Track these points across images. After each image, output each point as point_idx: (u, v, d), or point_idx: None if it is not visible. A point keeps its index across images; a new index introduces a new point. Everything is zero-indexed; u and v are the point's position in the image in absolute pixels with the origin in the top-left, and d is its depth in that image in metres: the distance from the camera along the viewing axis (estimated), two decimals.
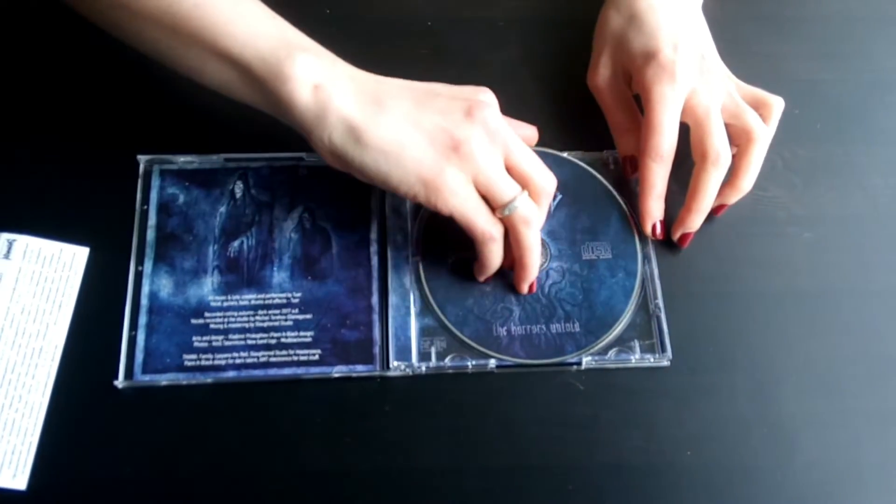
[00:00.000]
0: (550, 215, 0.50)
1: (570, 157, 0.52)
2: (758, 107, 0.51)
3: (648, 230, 0.50)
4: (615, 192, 0.52)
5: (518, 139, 0.45)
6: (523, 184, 0.45)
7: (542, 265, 0.49)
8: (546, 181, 0.46)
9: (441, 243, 0.49)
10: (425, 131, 0.43)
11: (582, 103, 0.54)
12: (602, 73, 0.53)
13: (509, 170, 0.45)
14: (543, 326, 0.48)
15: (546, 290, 0.49)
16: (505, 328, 0.48)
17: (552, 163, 0.51)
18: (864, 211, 0.53)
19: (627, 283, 0.49)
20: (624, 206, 0.52)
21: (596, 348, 0.47)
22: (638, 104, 0.52)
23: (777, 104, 0.51)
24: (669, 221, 0.51)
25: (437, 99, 0.44)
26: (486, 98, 0.45)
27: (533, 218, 0.45)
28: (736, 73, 0.52)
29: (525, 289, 0.48)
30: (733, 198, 0.50)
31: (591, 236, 0.51)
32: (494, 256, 0.46)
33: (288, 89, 0.42)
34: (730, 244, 0.51)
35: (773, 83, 0.52)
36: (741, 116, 0.50)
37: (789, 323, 0.49)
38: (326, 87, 0.43)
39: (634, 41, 0.51)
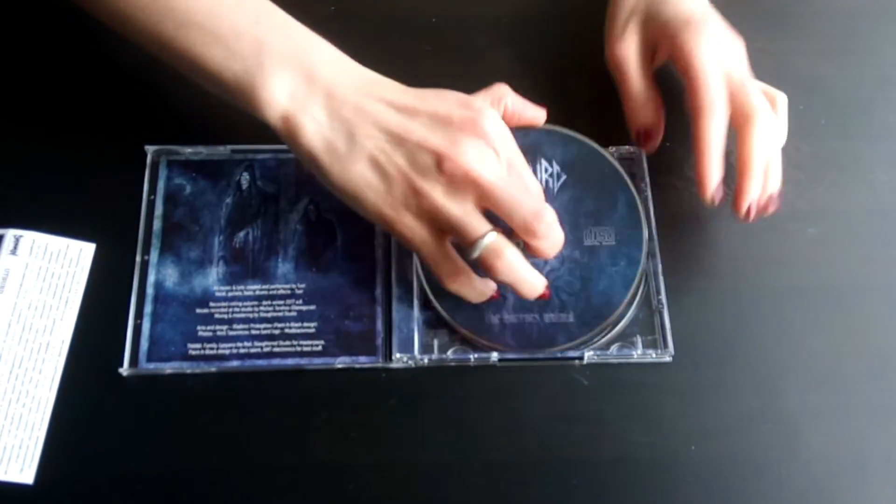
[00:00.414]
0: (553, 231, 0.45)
1: (576, 135, 0.50)
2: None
3: (711, 192, 0.47)
4: (623, 173, 0.49)
5: (497, 180, 0.42)
6: (506, 221, 0.43)
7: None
8: (529, 216, 0.42)
9: None
10: (387, 177, 0.42)
11: (587, 98, 0.55)
12: (628, 43, 0.51)
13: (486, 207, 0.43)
14: (537, 316, 0.47)
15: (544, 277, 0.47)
16: (497, 316, 0.47)
17: (557, 140, 0.50)
18: (868, 206, 0.52)
19: (628, 271, 0.48)
20: (632, 187, 0.49)
21: (597, 343, 0.47)
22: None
23: (781, 99, 0.51)
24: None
25: (414, 136, 0.42)
26: (466, 143, 0.42)
27: (502, 259, 0.43)
28: None
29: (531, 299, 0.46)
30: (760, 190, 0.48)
31: (595, 221, 0.49)
32: (467, 292, 0.45)
33: (262, 114, 0.43)
34: (733, 240, 0.51)
35: (777, 79, 0.52)
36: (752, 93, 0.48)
37: (793, 318, 0.49)
38: (295, 117, 0.42)
39: (663, 12, 0.50)
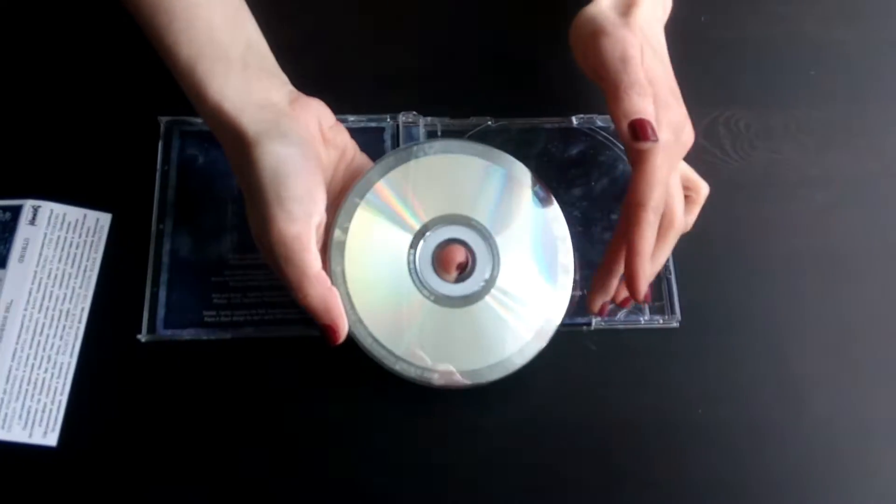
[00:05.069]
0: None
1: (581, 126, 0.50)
2: (687, 187, 0.46)
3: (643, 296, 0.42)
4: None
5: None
6: None
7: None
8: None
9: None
10: None
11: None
12: None
13: None
14: None
15: None
16: None
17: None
18: (877, 172, 0.52)
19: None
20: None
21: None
22: None
23: (704, 190, 0.47)
24: None
25: None
26: None
27: None
28: (752, 33, 0.52)
29: None
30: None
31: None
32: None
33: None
34: (741, 206, 0.51)
35: (789, 44, 0.51)
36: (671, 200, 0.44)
37: (800, 284, 0.49)
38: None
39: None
